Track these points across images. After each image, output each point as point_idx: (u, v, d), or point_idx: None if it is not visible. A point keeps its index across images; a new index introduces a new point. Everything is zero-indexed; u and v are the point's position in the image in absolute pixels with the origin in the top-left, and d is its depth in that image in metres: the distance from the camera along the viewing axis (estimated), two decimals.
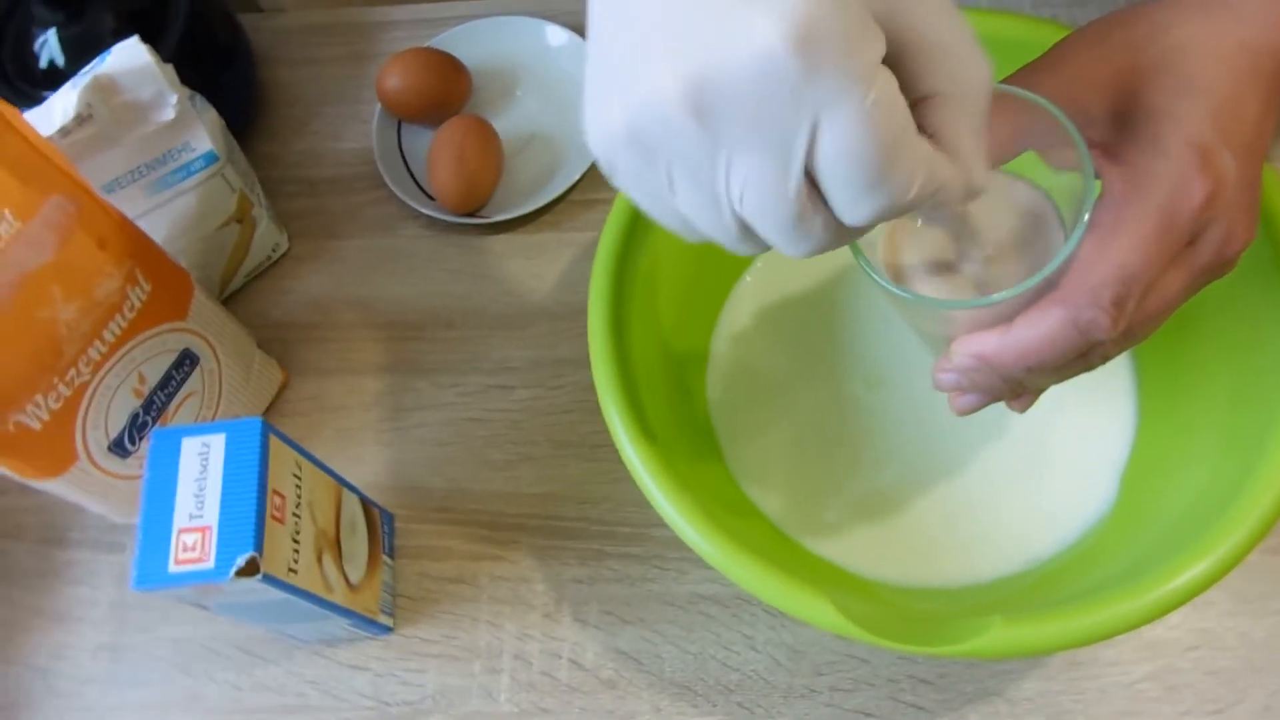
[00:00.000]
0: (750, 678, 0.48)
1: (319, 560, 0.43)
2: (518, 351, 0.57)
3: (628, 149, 0.26)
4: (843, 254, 0.52)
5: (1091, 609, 0.35)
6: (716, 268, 0.52)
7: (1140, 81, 0.33)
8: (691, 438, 0.48)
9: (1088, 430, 0.47)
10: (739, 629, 0.49)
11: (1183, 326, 0.44)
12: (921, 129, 0.27)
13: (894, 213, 0.26)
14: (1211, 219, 0.32)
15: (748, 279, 0.53)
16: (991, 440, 0.48)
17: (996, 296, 0.32)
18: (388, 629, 0.51)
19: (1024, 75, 0.35)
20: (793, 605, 0.37)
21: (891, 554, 0.46)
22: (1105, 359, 0.34)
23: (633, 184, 0.28)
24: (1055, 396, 0.38)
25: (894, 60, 0.26)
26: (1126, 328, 0.33)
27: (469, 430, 0.55)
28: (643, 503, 0.51)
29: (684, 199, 0.27)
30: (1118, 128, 0.33)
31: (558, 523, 0.53)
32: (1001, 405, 0.38)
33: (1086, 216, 0.32)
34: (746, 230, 0.27)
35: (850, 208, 0.26)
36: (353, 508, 0.48)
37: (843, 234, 0.27)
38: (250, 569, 0.38)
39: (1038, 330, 0.32)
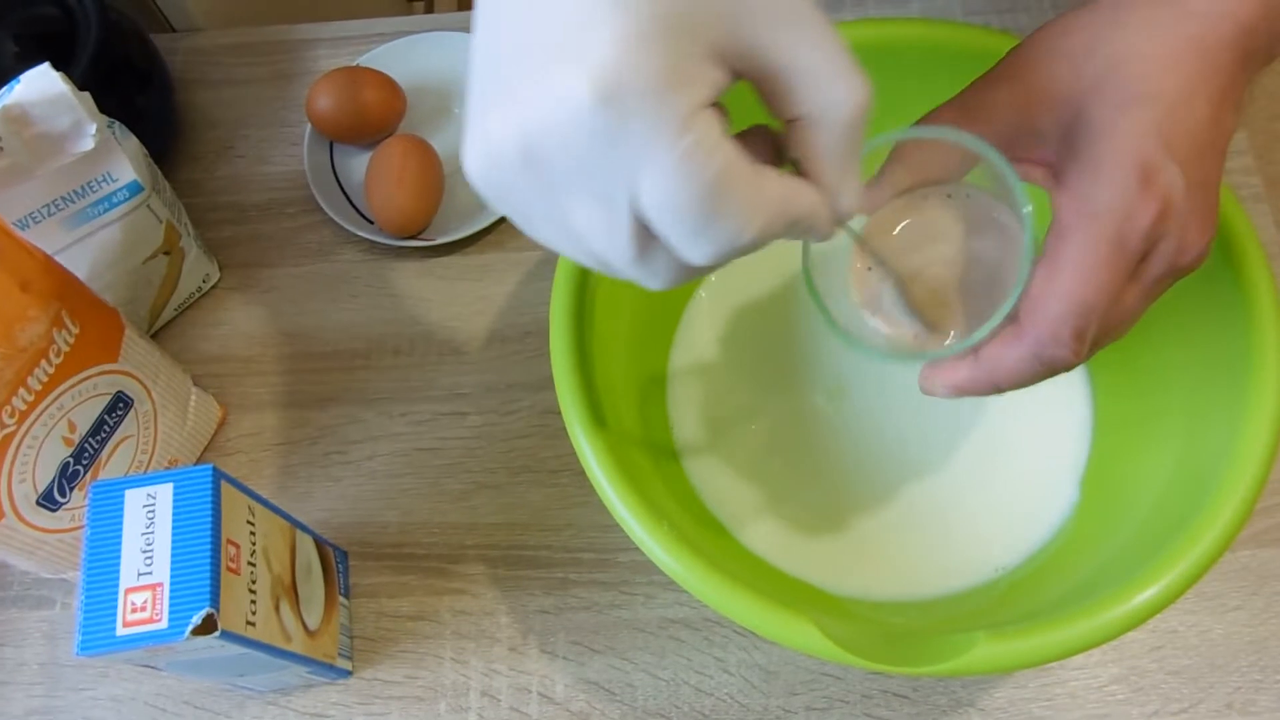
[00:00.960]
0: (724, 701, 0.47)
1: (276, 609, 0.41)
2: (469, 377, 0.55)
3: (485, 189, 0.27)
4: (789, 267, 0.52)
5: (1071, 621, 0.36)
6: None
7: (1083, 96, 0.32)
8: (657, 459, 0.47)
9: (1046, 435, 0.48)
10: (711, 652, 0.48)
11: (1137, 329, 0.45)
12: (789, 155, 0.28)
13: (741, 250, 0.26)
14: (1162, 234, 0.32)
15: (701, 294, 0.52)
16: (953, 449, 0.48)
17: (943, 352, 0.34)
18: (346, 673, 0.49)
19: (978, 89, 0.35)
20: (778, 631, 0.36)
21: (860, 567, 0.46)
22: (1070, 369, 0.34)
23: (505, 211, 0.28)
24: (1013, 404, 0.39)
25: (759, 86, 0.27)
26: (1090, 345, 0.33)
27: (422, 460, 0.54)
28: (606, 527, 0.51)
29: (542, 235, 0.28)
30: (1066, 146, 0.33)
31: (520, 552, 0.51)
32: (960, 418, 0.38)
33: (1028, 266, 0.32)
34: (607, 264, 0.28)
35: (687, 250, 0.26)
36: (307, 550, 0.46)
37: (694, 269, 0.27)
38: (207, 626, 0.36)
39: (1004, 364, 0.33)
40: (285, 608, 0.42)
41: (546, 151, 0.25)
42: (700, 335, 0.52)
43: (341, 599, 0.49)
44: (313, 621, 0.45)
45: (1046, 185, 0.34)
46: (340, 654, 0.48)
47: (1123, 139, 0.31)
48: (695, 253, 0.26)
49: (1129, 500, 0.43)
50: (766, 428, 0.50)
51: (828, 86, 0.27)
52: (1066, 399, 0.49)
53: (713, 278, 0.53)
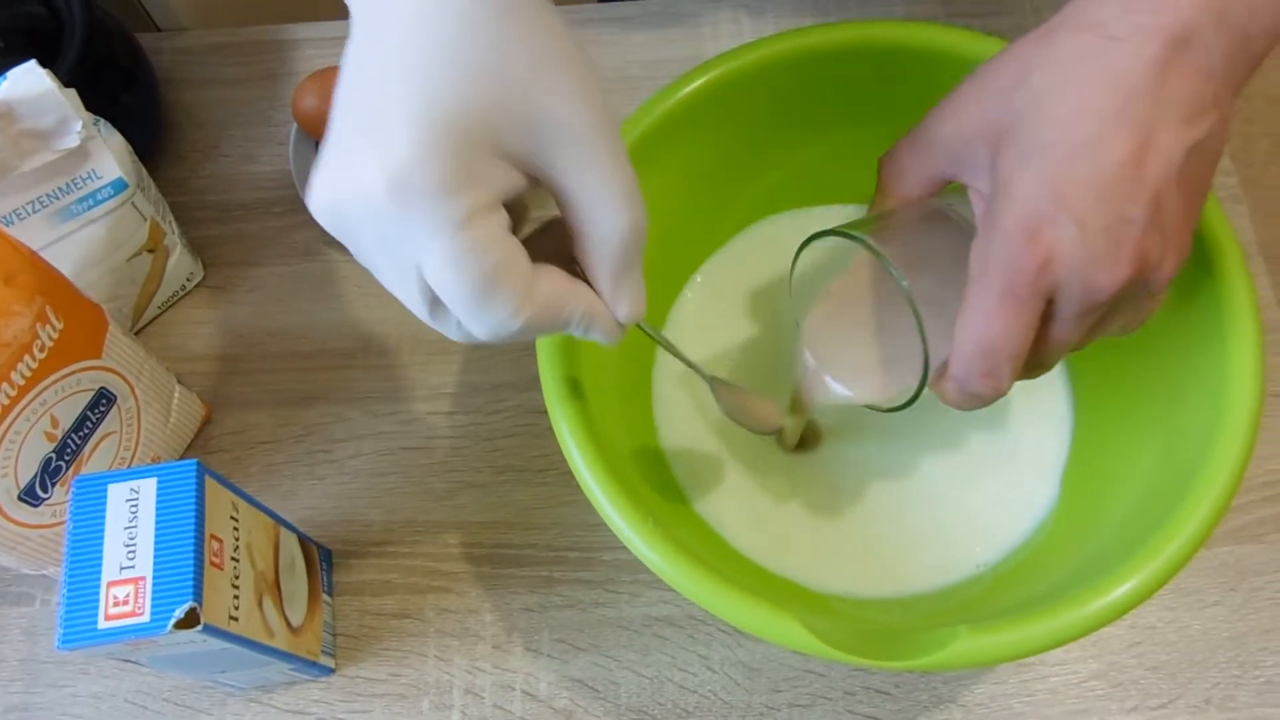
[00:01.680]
0: (708, 699, 0.47)
1: (259, 605, 0.41)
2: (455, 376, 0.55)
3: (328, 230, 0.30)
4: (776, 269, 0.52)
5: (1052, 614, 0.36)
6: (657, 285, 0.51)
7: (999, 141, 0.34)
8: (642, 460, 0.48)
9: (1028, 435, 0.48)
10: (695, 650, 0.48)
11: (1126, 339, 0.45)
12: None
13: (520, 335, 0.30)
14: (1057, 281, 0.33)
15: (688, 294, 0.53)
16: (936, 449, 0.49)
17: (887, 408, 0.39)
18: (329, 670, 0.49)
19: (930, 123, 0.37)
20: (762, 627, 0.36)
21: (843, 565, 0.46)
22: (1001, 395, 0.35)
23: None
24: (994, 407, 0.39)
25: (551, 193, 0.31)
26: (1036, 365, 0.36)
27: (407, 459, 0.54)
28: (592, 526, 0.51)
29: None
30: (989, 186, 0.34)
31: (504, 551, 0.51)
32: (942, 420, 0.42)
33: (924, 349, 0.36)
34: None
35: (467, 323, 0.30)
36: (291, 547, 0.46)
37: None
38: (190, 620, 0.36)
39: (948, 395, 0.36)
40: (268, 604, 0.42)
41: (349, 221, 0.29)
42: (685, 335, 0.52)
43: (325, 596, 0.49)
44: (296, 618, 0.45)
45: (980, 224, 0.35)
46: (323, 651, 0.48)
47: (1014, 200, 0.32)
48: (474, 328, 0.30)
49: (1109, 499, 0.44)
50: (748, 439, 0.50)
51: (602, 216, 0.30)
52: (1048, 401, 0.49)
53: (699, 278, 0.53)
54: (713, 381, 0.43)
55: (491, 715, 0.48)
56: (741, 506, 0.48)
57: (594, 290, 0.32)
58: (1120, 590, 0.36)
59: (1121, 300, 0.34)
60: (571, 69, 0.29)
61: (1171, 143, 0.31)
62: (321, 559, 0.50)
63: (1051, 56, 0.33)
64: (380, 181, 0.27)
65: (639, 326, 0.36)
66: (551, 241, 0.32)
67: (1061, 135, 0.32)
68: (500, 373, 0.55)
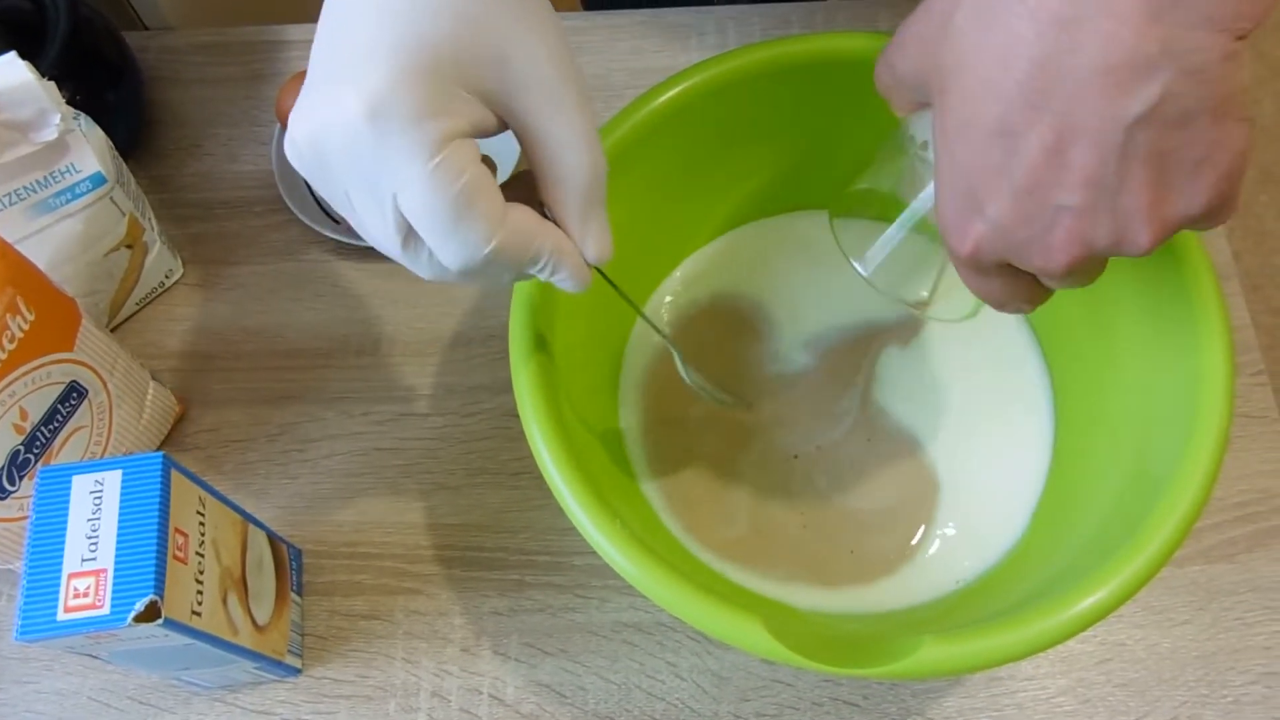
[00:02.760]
0: (675, 707, 0.47)
1: (224, 601, 0.41)
2: (431, 378, 0.55)
3: (298, 169, 0.31)
4: (753, 274, 0.52)
5: (1018, 625, 0.36)
6: (635, 286, 0.51)
7: (935, 95, 0.32)
8: (609, 463, 0.48)
9: (1004, 455, 0.48)
10: (663, 657, 0.48)
11: (1101, 358, 0.46)
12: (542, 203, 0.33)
13: (488, 265, 0.31)
14: (994, 263, 0.33)
15: (667, 298, 0.53)
16: (909, 463, 0.49)
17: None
18: (296, 670, 0.48)
19: (886, 52, 0.36)
20: (724, 629, 0.36)
21: (817, 580, 0.46)
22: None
23: (316, 189, 0.33)
24: (968, 420, 0.39)
25: (518, 136, 0.32)
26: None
27: (381, 460, 0.53)
28: (563, 530, 0.51)
29: (341, 212, 0.32)
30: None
31: (476, 553, 0.51)
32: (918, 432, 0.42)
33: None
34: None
35: (439, 250, 0.31)
36: (260, 544, 0.46)
37: (453, 272, 0.32)
38: (150, 613, 0.35)
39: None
40: (234, 600, 0.42)
41: (329, 150, 0.30)
42: (655, 343, 0.52)
43: (294, 596, 0.49)
44: (262, 616, 0.45)
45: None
46: (290, 651, 0.47)
47: (942, 185, 0.33)
48: (446, 255, 0.31)
49: (1080, 515, 0.44)
50: (719, 438, 0.50)
51: (569, 153, 0.32)
52: (1025, 415, 0.49)
53: (678, 271, 0.53)
54: (676, 348, 0.43)
55: (458, 719, 0.47)
56: (711, 518, 0.48)
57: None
58: (1087, 602, 0.36)
59: (1087, 268, 0.32)
60: (542, 16, 0.31)
61: (1098, 123, 0.27)
62: (291, 558, 0.50)
63: (970, 26, 0.30)
64: (359, 108, 0.28)
65: (603, 276, 0.37)
66: (520, 191, 0.33)
67: (974, 115, 0.30)
68: (477, 375, 0.55)
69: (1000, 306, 0.36)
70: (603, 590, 0.50)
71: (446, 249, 0.31)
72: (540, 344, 0.42)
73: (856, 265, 0.40)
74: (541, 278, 0.34)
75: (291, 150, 0.31)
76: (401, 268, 0.58)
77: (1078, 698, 0.46)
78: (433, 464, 0.53)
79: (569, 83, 0.31)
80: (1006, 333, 0.51)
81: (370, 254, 0.58)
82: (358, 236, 0.57)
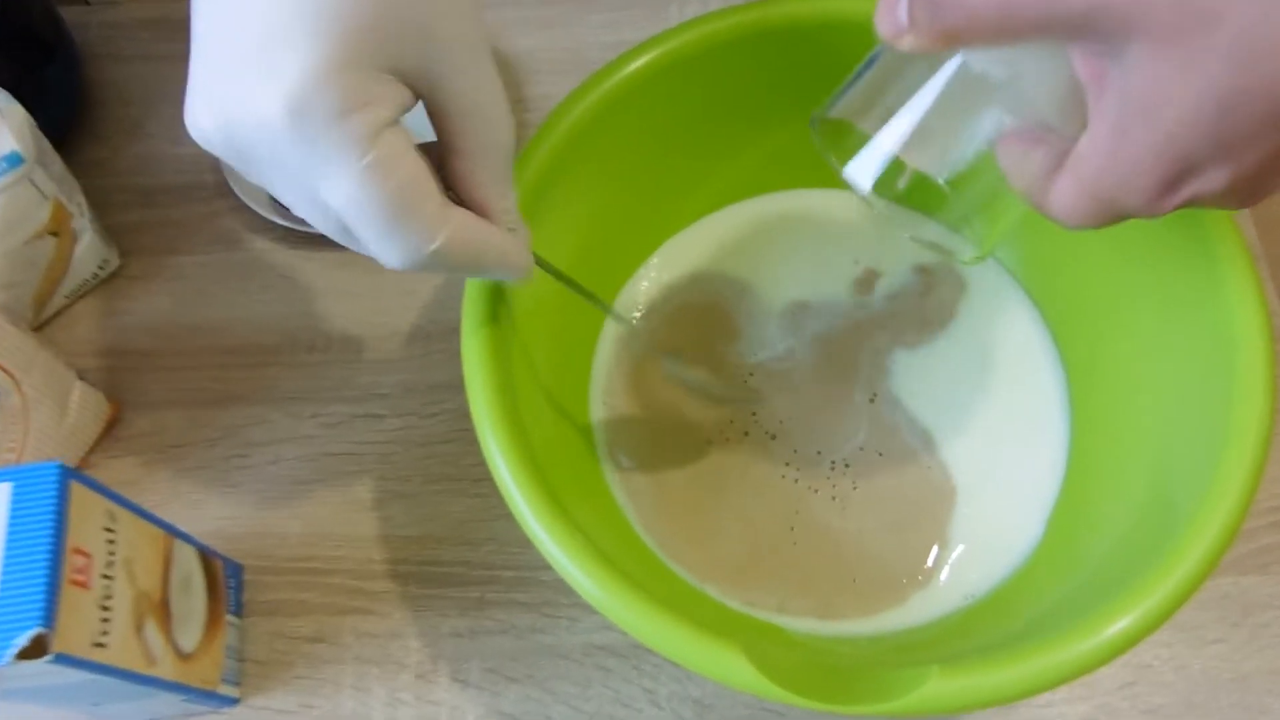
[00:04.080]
0: None
1: (138, 629, 0.36)
2: (388, 376, 0.51)
3: (218, 154, 0.29)
4: (734, 255, 0.48)
5: (1038, 652, 0.31)
6: (612, 267, 0.47)
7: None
8: (578, 471, 0.43)
9: (1018, 462, 0.44)
10: (640, 683, 0.44)
11: (1119, 363, 0.41)
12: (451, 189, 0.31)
13: (434, 262, 0.29)
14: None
15: (644, 283, 0.48)
16: (914, 470, 0.44)
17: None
18: (232, 700, 0.44)
19: None
20: (700, 660, 0.32)
21: (808, 599, 0.41)
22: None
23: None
24: (983, 422, 0.35)
25: (431, 112, 0.30)
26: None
27: (332, 466, 0.49)
28: (529, 543, 0.46)
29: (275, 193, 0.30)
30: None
31: (434, 568, 0.46)
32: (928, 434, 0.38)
33: None
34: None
35: (378, 252, 0.29)
36: (187, 562, 0.41)
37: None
38: (36, 649, 0.31)
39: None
40: (151, 628, 0.37)
41: (245, 146, 0.27)
42: (628, 338, 0.47)
43: (231, 618, 0.44)
44: (188, 643, 0.40)
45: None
46: (225, 679, 0.43)
47: (1124, 139, 0.26)
48: (386, 256, 0.29)
49: (1099, 526, 0.39)
50: (699, 441, 0.45)
51: (493, 123, 0.30)
52: (1040, 408, 0.45)
53: (654, 261, 0.49)
54: (633, 328, 0.39)
55: None
56: (690, 530, 0.44)
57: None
58: (1116, 626, 0.32)
59: None
60: None
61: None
62: (230, 575, 0.45)
63: None
64: (279, 107, 0.26)
65: (560, 277, 0.36)
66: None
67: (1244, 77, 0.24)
68: (437, 372, 0.50)
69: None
70: (572, 609, 0.45)
71: (386, 250, 0.29)
72: (498, 338, 0.37)
73: (852, 177, 0.33)
74: (488, 267, 0.32)
75: (198, 136, 0.28)
76: (358, 257, 0.54)
77: None
78: (388, 470, 0.48)
79: (485, 47, 0.30)
80: (1020, 325, 0.46)
81: (323, 243, 0.54)
82: (305, 223, 0.52)
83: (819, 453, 0.44)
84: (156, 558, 0.39)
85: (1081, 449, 0.43)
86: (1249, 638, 0.43)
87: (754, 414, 0.45)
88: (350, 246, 0.30)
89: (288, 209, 0.53)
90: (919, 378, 0.46)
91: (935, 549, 0.42)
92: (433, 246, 0.29)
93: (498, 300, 0.38)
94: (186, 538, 0.42)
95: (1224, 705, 0.42)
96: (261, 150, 0.27)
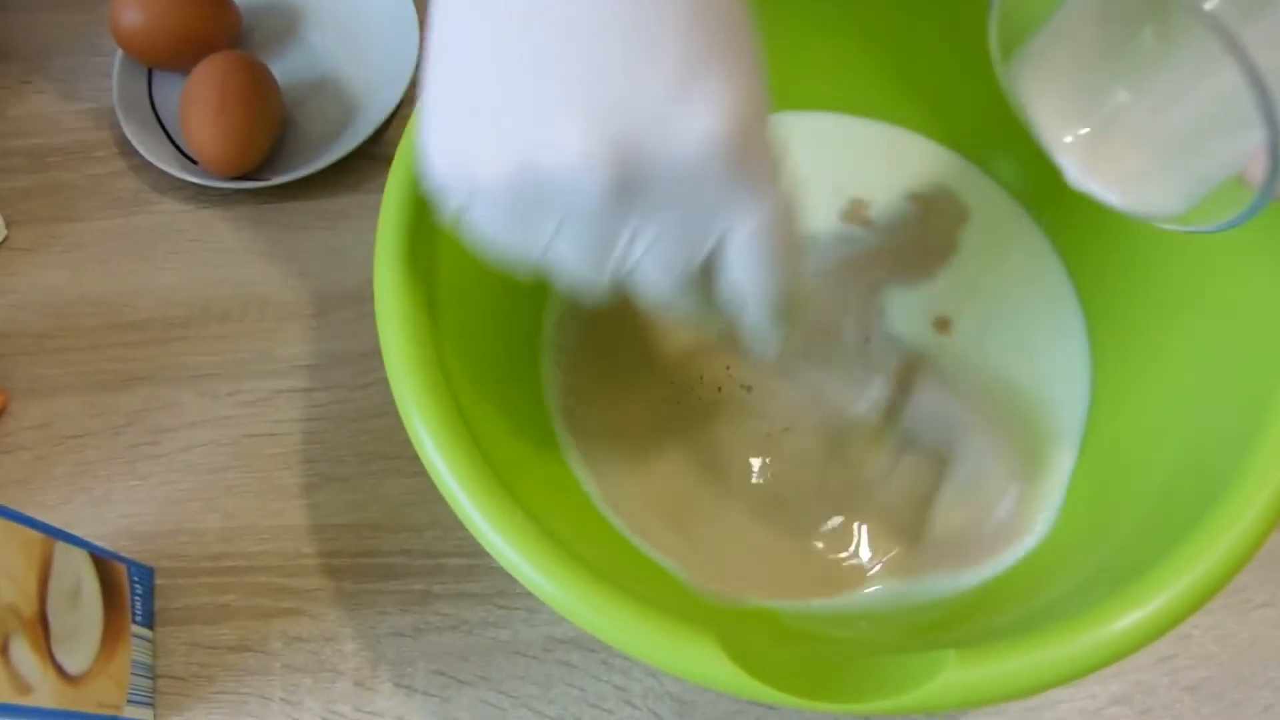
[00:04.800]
0: None
1: (2, 651, 0.30)
2: (314, 345, 0.45)
3: (506, 191, 0.24)
4: None
5: (1070, 633, 0.26)
6: None
7: None
8: (526, 441, 0.37)
9: (1037, 388, 0.38)
10: (609, 679, 0.38)
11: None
12: None
13: (786, 300, 0.26)
14: None
15: None
16: (918, 414, 0.38)
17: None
18: None
19: None
20: (662, 653, 0.26)
21: (799, 580, 0.36)
22: None
23: (488, 220, 0.25)
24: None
25: None
26: None
27: (253, 449, 0.43)
28: None
29: (561, 248, 0.25)
30: None
31: (371, 560, 0.41)
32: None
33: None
34: (616, 283, 0.26)
35: (756, 290, 0.26)
36: (74, 569, 0.35)
37: (705, 314, 0.27)
38: None
39: None
40: (22, 648, 0.31)
41: (648, 177, 0.23)
42: None
43: (139, 629, 0.39)
44: (76, 664, 0.34)
45: None
46: (133, 700, 0.37)
47: None
48: (768, 290, 0.26)
49: (1133, 483, 0.34)
50: (670, 400, 0.40)
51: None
52: (1059, 347, 0.39)
53: None
54: None
55: None
56: (663, 505, 0.38)
57: None
58: (1158, 601, 0.26)
59: None
60: None
61: None
62: (137, 581, 0.39)
63: None
64: (719, 131, 0.22)
65: None
66: None
67: None
68: (369, 338, 0.44)
69: None
70: (529, 599, 0.39)
71: (770, 283, 0.26)
72: (421, 280, 0.32)
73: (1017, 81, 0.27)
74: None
75: (552, 166, 0.23)
76: (275, 214, 0.48)
77: (1135, 707, 0.36)
78: (317, 450, 0.43)
79: None
80: (1031, 257, 0.41)
81: (237, 198, 0.48)
82: (217, 177, 0.46)
83: (802, 405, 0.39)
84: (30, 566, 0.33)
85: (1104, 402, 0.38)
86: None
87: (727, 367, 0.40)
88: (663, 300, 0.26)
89: (195, 162, 0.47)
90: (918, 317, 0.40)
91: (941, 513, 0.37)
92: (800, 279, 0.26)
93: (423, 233, 0.32)
94: (75, 540, 0.36)
95: (1275, 677, 0.37)
96: (673, 181, 0.23)
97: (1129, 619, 0.26)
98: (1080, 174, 0.27)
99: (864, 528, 0.37)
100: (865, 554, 0.36)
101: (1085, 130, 0.27)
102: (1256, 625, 0.37)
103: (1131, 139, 0.27)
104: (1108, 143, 0.27)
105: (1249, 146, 0.23)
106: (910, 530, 0.36)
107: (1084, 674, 0.26)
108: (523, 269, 0.26)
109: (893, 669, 0.27)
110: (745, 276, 0.25)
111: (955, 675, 0.25)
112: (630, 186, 0.23)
